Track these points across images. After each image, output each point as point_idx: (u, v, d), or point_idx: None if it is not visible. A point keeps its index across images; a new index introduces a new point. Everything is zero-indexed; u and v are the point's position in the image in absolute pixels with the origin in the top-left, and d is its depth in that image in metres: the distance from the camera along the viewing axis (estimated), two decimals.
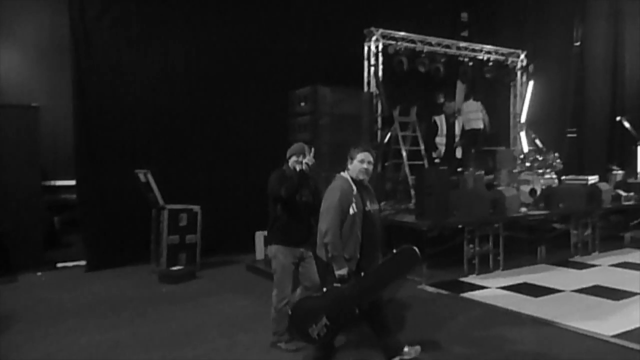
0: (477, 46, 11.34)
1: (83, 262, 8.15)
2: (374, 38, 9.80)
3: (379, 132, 9.65)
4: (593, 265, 8.04)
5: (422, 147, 10.05)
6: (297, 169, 4.62)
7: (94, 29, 8.13)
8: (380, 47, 9.85)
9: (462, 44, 11.18)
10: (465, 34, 12.31)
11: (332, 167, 5.25)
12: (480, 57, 11.38)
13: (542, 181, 9.53)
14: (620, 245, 9.58)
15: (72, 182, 8.42)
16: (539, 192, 8.92)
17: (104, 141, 8.23)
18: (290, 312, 4.07)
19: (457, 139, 9.76)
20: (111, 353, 4.76)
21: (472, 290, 6.72)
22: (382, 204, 9.03)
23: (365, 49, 9.85)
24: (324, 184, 4.70)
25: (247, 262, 8.24)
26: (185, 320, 5.66)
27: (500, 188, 8.63)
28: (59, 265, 8.27)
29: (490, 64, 11.53)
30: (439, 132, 10.22)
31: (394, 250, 4.05)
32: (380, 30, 9.84)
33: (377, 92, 9.62)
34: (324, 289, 4.03)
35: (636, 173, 12.03)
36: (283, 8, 9.50)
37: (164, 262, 7.69)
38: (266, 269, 7.54)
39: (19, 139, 8.05)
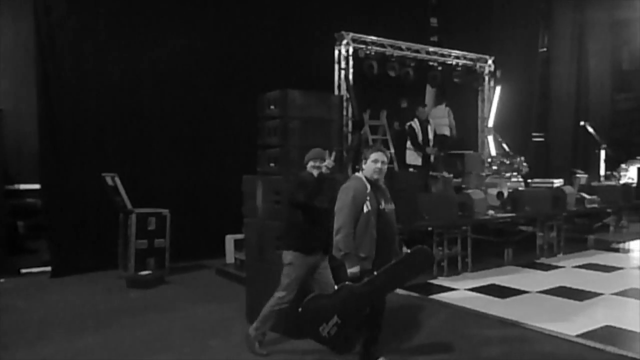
0: (446, 51, 11.51)
1: (48, 268, 7.95)
2: (344, 42, 9.86)
3: (349, 136, 9.71)
4: (558, 267, 8.22)
5: (392, 150, 10.14)
6: (315, 174, 4.60)
7: (59, 32, 7.96)
8: (351, 51, 9.92)
9: (432, 49, 11.32)
10: (434, 39, 12.48)
11: (301, 170, 5.24)
12: (449, 62, 11.55)
13: (508, 184, 9.73)
14: (584, 247, 9.82)
15: (37, 186, 8.23)
16: (505, 195, 9.08)
17: (69, 144, 8.06)
18: (300, 310, 4.01)
19: (430, 144, 9.86)
20: None
21: (441, 292, 6.79)
22: None
23: (336, 52, 9.90)
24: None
25: (218, 266, 8.17)
26: (154, 326, 5.57)
27: (468, 191, 8.76)
28: (23, 271, 8.05)
29: (459, 69, 11.71)
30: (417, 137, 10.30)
31: (408, 250, 4.07)
32: (351, 34, 9.90)
33: (348, 96, 9.69)
34: (335, 287, 4.00)
35: (599, 176, 12.39)
36: (253, 11, 9.46)
37: (132, 267, 7.57)
38: (236, 272, 7.52)
39: None
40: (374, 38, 10.25)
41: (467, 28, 12.80)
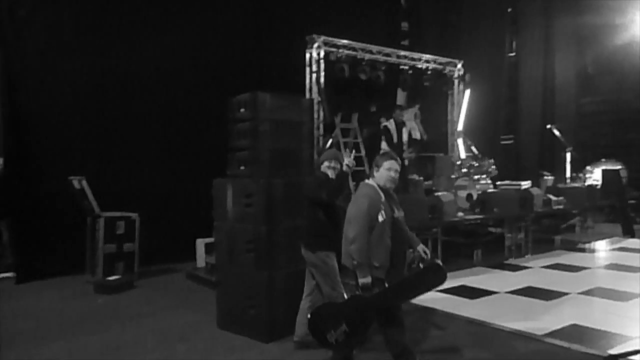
0: (417, 55, 11.64)
1: (12, 274, 7.76)
2: (315, 45, 9.89)
3: (320, 139, 9.73)
4: (526, 267, 8.36)
5: (364, 153, 10.19)
6: (330, 174, 4.59)
7: (24, 32, 7.79)
8: (322, 54, 9.95)
9: (402, 53, 11.44)
10: (405, 43, 12.61)
11: (272, 172, 5.23)
12: (420, 66, 11.69)
13: (478, 187, 9.87)
14: (551, 247, 10.00)
15: None
16: (475, 198, 9.20)
17: (35, 147, 7.88)
18: (309, 316, 3.98)
19: (404, 147, 9.91)
20: None
21: None
22: None
23: (307, 55, 9.92)
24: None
25: (188, 270, 8.07)
26: (122, 331, 5.48)
27: (438, 194, 8.84)
28: None
29: (429, 72, 11.85)
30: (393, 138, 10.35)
31: (421, 265, 4.03)
32: (322, 38, 9.93)
33: (319, 99, 9.71)
34: (346, 296, 3.96)
35: (565, 178, 12.66)
36: (224, 13, 9.41)
37: (100, 272, 7.42)
38: (207, 276, 7.44)
39: None
40: (345, 41, 10.30)
41: (437, 32, 12.98)
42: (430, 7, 13.01)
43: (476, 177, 10.40)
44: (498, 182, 10.87)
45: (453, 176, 10.24)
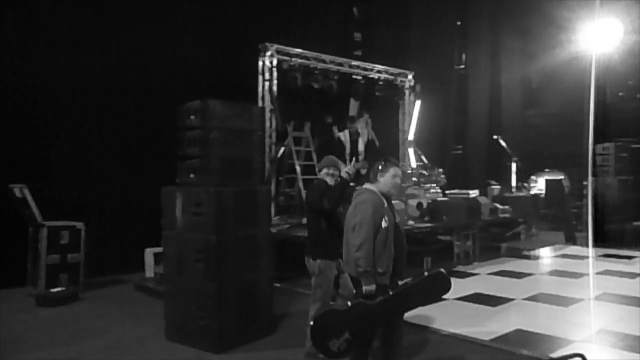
0: (369, 65, 11.79)
1: None
2: (268, 53, 9.87)
3: (272, 147, 9.70)
4: (473, 274, 8.57)
5: (316, 161, 10.21)
6: (329, 181, 4.57)
7: None
8: (275, 62, 9.94)
9: (355, 63, 11.57)
10: (358, 53, 12.76)
11: (222, 181, 5.17)
12: (372, 76, 11.84)
13: (428, 195, 10.04)
14: (497, 254, 10.29)
15: None
16: (425, 206, 9.36)
17: None
18: (312, 323, 3.88)
19: (359, 157, 9.96)
20: None
21: None
22: (276, 218, 9.06)
23: (260, 63, 9.89)
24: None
25: (136, 281, 7.88)
26: (65, 346, 5.29)
27: None
28: None
29: (381, 82, 12.03)
30: (346, 149, 10.38)
31: (426, 273, 3.98)
32: (275, 46, 9.93)
33: (272, 107, 9.69)
34: (349, 304, 3.91)
35: (511, 187, 13.05)
36: (175, 19, 9.27)
37: (43, 284, 7.15)
38: (156, 287, 7.27)
39: None
40: (298, 50, 10.33)
41: (389, 44, 13.20)
42: (383, 19, 13.23)
43: (426, 186, 10.58)
44: (447, 191, 11.10)
45: (403, 185, 10.37)
